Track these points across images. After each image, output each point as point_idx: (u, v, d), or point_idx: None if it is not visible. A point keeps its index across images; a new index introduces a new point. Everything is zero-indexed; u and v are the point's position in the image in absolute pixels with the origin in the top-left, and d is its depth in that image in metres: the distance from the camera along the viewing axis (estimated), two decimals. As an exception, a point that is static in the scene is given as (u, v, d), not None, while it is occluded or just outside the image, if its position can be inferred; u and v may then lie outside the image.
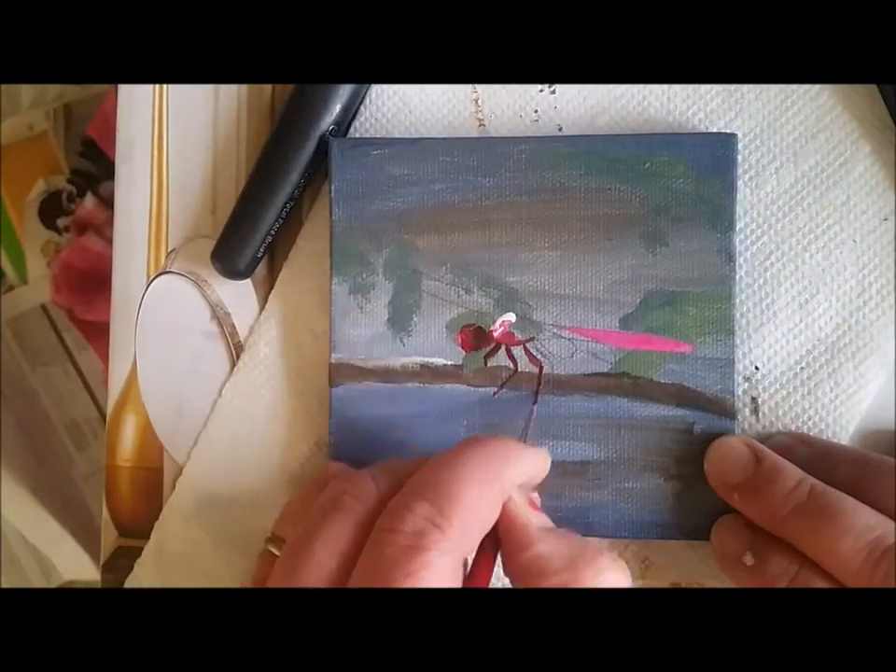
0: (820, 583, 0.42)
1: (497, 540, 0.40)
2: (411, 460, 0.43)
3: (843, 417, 0.48)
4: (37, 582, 1.05)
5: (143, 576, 0.52)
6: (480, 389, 0.48)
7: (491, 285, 0.48)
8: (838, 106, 0.49)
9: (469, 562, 0.41)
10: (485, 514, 0.38)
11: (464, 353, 0.49)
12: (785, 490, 0.43)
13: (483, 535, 0.39)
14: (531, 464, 0.41)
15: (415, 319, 0.49)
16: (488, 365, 0.48)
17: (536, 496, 0.44)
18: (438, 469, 0.39)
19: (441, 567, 0.36)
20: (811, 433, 0.48)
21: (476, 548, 0.39)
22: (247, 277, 0.51)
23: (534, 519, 0.40)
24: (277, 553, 0.43)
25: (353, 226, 0.49)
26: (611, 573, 0.38)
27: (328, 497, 0.42)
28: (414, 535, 0.36)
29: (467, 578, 0.40)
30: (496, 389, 0.48)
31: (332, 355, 0.49)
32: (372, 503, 0.40)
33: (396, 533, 0.37)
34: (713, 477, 0.46)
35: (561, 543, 0.39)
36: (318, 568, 0.39)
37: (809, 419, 0.48)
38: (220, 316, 0.52)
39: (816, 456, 0.45)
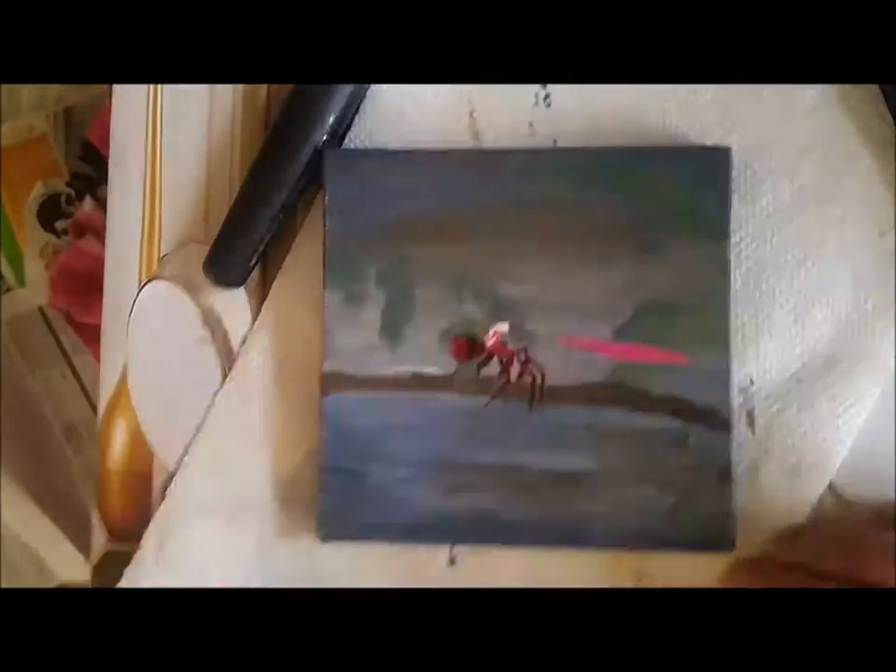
0: None
1: None
2: None
3: (839, 431, 0.48)
4: (33, 583, 1.05)
5: (135, 580, 0.52)
6: (472, 399, 0.48)
7: (484, 295, 0.48)
8: (834, 121, 0.48)
9: None
10: None
11: (456, 363, 0.48)
12: None
13: None
14: None
15: (408, 329, 0.49)
16: (480, 375, 0.48)
17: None
18: None
19: None
20: (807, 446, 0.48)
21: None
22: (240, 286, 0.51)
23: None
24: None
25: (346, 236, 0.49)
26: None
27: None
28: None
29: None
30: (488, 399, 0.48)
31: (325, 364, 0.49)
32: None
33: None
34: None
35: None
36: None
37: (805, 433, 0.48)
38: (212, 322, 0.52)
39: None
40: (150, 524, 0.52)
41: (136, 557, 0.52)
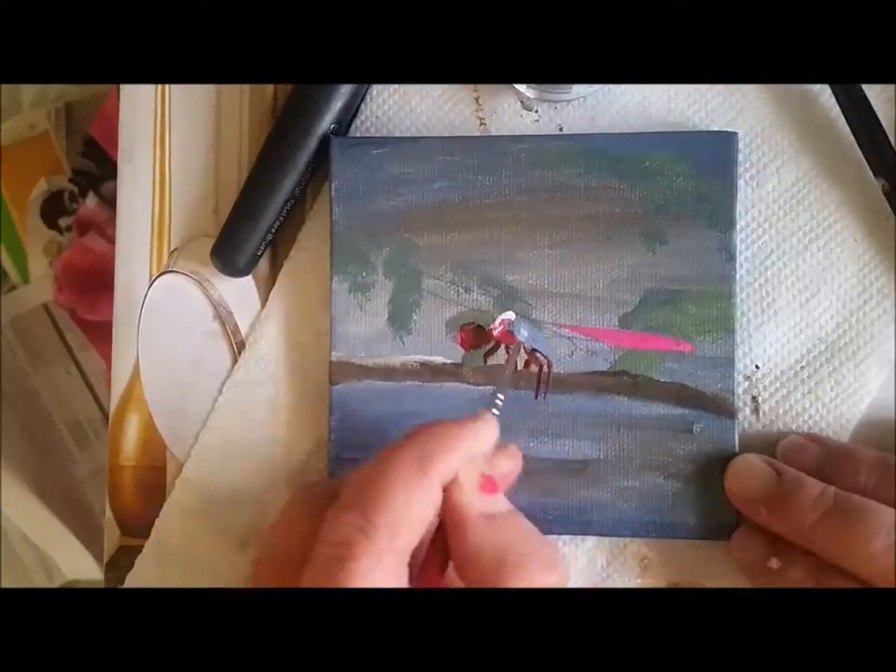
0: (843, 583, 0.42)
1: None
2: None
3: (843, 416, 0.48)
4: (40, 582, 1.05)
5: (143, 573, 0.52)
6: (479, 388, 0.48)
7: (491, 283, 0.48)
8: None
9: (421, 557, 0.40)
10: (419, 511, 0.37)
11: (463, 351, 0.49)
12: (810, 499, 0.43)
13: (422, 530, 0.38)
14: (473, 440, 0.40)
15: (415, 318, 0.49)
16: (487, 363, 0.48)
17: (512, 452, 0.42)
18: (365, 475, 0.38)
19: (373, 576, 0.35)
20: (811, 431, 0.48)
21: (415, 544, 0.37)
22: (246, 275, 0.51)
23: (477, 503, 0.38)
24: None
25: (353, 224, 0.49)
26: (541, 576, 0.37)
27: (285, 508, 0.42)
28: (341, 545, 0.36)
29: (420, 572, 0.39)
30: (494, 388, 0.48)
31: (332, 353, 0.49)
32: (321, 512, 0.39)
33: (326, 545, 0.36)
34: (736, 495, 0.46)
35: (495, 536, 0.38)
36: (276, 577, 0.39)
37: (810, 418, 0.48)
38: (223, 316, 0.52)
39: (832, 457, 0.46)
40: (159, 513, 0.52)
41: (146, 547, 0.52)
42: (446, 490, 0.38)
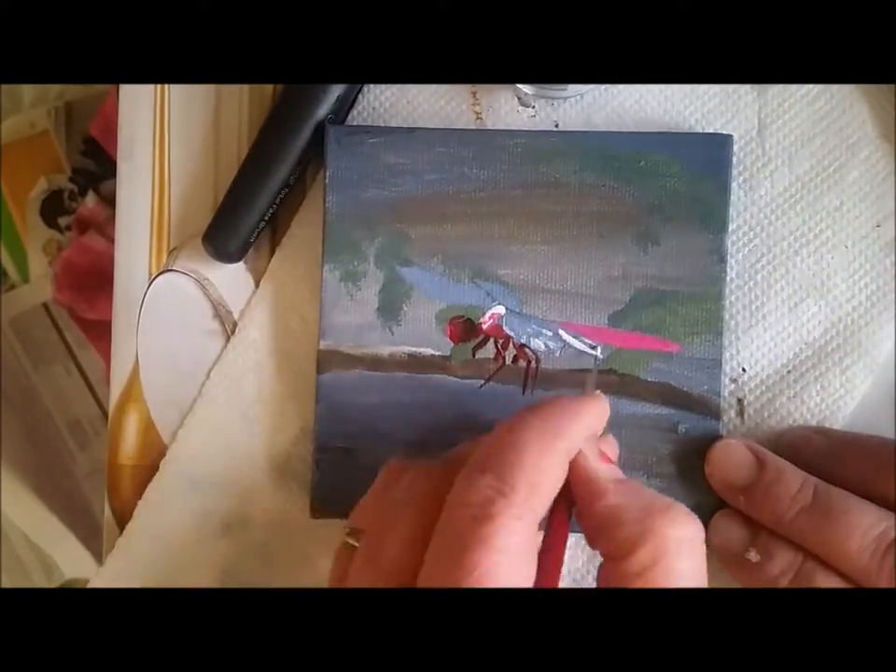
0: (823, 576, 0.42)
1: (571, 497, 0.40)
2: (475, 442, 0.42)
3: (827, 421, 0.48)
4: (39, 581, 1.05)
5: (123, 556, 0.52)
6: (466, 381, 0.48)
7: (481, 277, 0.49)
8: (835, 111, 0.49)
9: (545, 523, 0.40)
10: (550, 475, 0.38)
11: (452, 344, 0.49)
12: (790, 492, 0.44)
13: (553, 495, 0.38)
14: (592, 415, 0.41)
15: (405, 309, 0.49)
16: (476, 357, 0.48)
17: (612, 442, 0.43)
18: (497, 441, 0.39)
19: (512, 531, 0.36)
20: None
21: (547, 508, 0.38)
22: (238, 261, 0.51)
23: (604, 471, 0.39)
24: (356, 544, 0.43)
25: (346, 213, 0.49)
26: (685, 526, 0.37)
27: (400, 486, 0.42)
28: (481, 505, 0.36)
29: (545, 538, 0.39)
30: (482, 382, 0.48)
31: (321, 341, 0.49)
32: (442, 486, 0.40)
33: (463, 507, 0.37)
34: (716, 480, 0.46)
35: (633, 494, 0.38)
36: (396, 559, 0.39)
37: (794, 422, 0.48)
38: (222, 315, 0.52)
39: (833, 447, 0.46)
40: (141, 497, 0.52)
41: (126, 530, 0.52)
42: (575, 460, 0.39)
